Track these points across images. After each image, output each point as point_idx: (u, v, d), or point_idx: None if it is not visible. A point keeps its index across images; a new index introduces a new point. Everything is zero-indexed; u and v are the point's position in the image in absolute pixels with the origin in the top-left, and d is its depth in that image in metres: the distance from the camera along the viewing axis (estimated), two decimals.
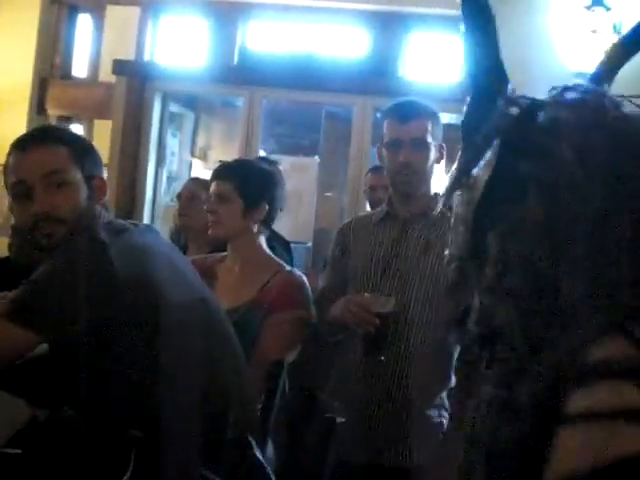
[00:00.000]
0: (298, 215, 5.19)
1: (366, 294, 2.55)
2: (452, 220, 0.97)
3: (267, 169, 3.04)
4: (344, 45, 5.74)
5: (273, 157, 4.82)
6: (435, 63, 5.72)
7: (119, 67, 5.37)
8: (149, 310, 1.90)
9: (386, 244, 2.73)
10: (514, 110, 0.94)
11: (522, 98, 0.95)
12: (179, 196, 4.01)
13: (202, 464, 1.91)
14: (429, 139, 2.70)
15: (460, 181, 0.96)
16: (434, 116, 2.76)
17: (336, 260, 2.88)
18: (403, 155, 2.67)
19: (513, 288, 0.85)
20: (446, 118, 4.32)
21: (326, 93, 5.30)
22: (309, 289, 2.90)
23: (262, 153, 5.61)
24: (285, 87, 5.30)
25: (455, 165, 0.99)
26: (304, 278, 2.93)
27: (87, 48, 6.33)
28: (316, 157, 6.07)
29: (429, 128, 2.70)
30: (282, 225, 4.24)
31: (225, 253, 3.01)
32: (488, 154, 0.93)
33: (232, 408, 2.05)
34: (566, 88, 0.94)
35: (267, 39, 5.87)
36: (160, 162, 5.64)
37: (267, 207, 2.93)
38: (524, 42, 5.29)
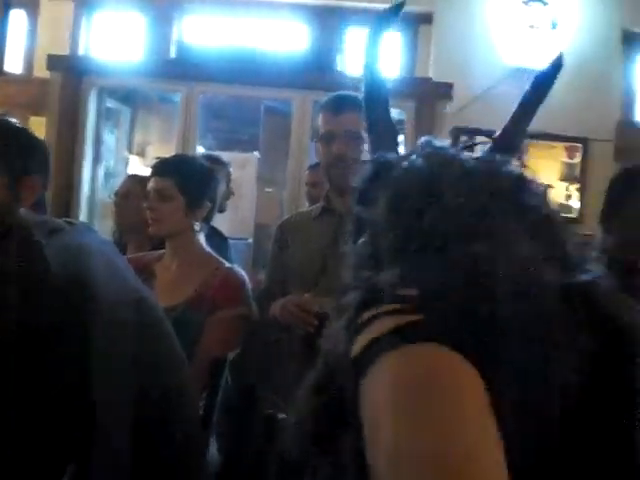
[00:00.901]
0: (238, 211, 5.15)
1: (306, 294, 2.53)
2: None
3: (208, 166, 3.01)
4: (283, 39, 5.72)
5: (212, 153, 4.79)
6: None
7: (54, 62, 5.26)
8: (85, 310, 1.87)
9: (324, 239, 2.71)
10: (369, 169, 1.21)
11: (377, 160, 1.21)
12: (116, 193, 3.96)
13: (144, 465, 1.89)
14: (362, 131, 2.68)
15: None
16: None
17: (275, 257, 2.86)
18: (336, 147, 2.66)
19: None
20: None
21: (265, 88, 5.25)
22: (249, 286, 2.88)
23: (200, 149, 5.57)
24: (223, 82, 5.24)
25: None
26: (244, 275, 2.91)
27: (21, 44, 6.23)
28: (255, 152, 6.04)
29: (362, 121, 2.68)
30: (222, 221, 4.22)
31: (163, 251, 2.98)
32: None
33: (173, 407, 2.03)
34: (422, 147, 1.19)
35: (204, 33, 5.83)
36: (97, 159, 5.55)
37: (209, 205, 2.90)
38: (462, 38, 5.35)
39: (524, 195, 1.07)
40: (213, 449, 2.60)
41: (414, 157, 1.15)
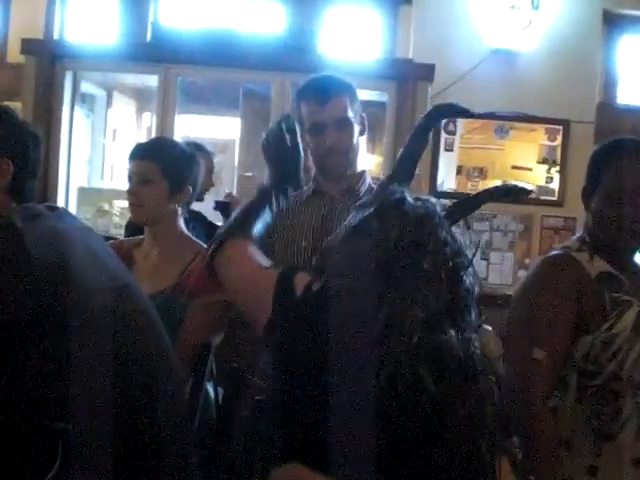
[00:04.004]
0: (218, 195, 5.10)
1: None
2: None
3: (188, 149, 2.95)
4: (260, 21, 5.65)
5: (195, 140, 4.74)
6: (353, 38, 5.68)
7: (28, 46, 5.19)
8: (66, 297, 1.82)
9: (315, 222, 2.68)
10: None
11: None
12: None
13: (129, 452, 1.86)
14: (350, 115, 2.64)
15: None
16: (350, 89, 2.69)
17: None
18: (328, 138, 2.61)
19: None
20: (365, 95, 4.29)
21: (243, 70, 5.20)
22: None
23: (178, 133, 5.51)
24: (201, 64, 5.19)
25: None
26: None
27: None
28: (235, 136, 6.00)
29: (348, 104, 2.64)
30: (202, 205, 4.18)
31: (141, 237, 2.92)
32: None
33: (160, 394, 2.00)
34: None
35: (181, 15, 5.75)
36: (73, 144, 5.48)
37: (191, 189, 2.85)
38: (443, 19, 5.31)
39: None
40: None
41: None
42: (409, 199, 1.51)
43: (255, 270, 1.80)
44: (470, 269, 1.47)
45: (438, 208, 1.54)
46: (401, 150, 1.74)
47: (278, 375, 1.53)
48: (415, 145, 1.73)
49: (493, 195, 1.69)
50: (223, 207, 4.39)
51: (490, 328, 1.66)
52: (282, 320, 1.56)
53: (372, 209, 1.53)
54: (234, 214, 1.99)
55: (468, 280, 1.46)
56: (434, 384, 1.36)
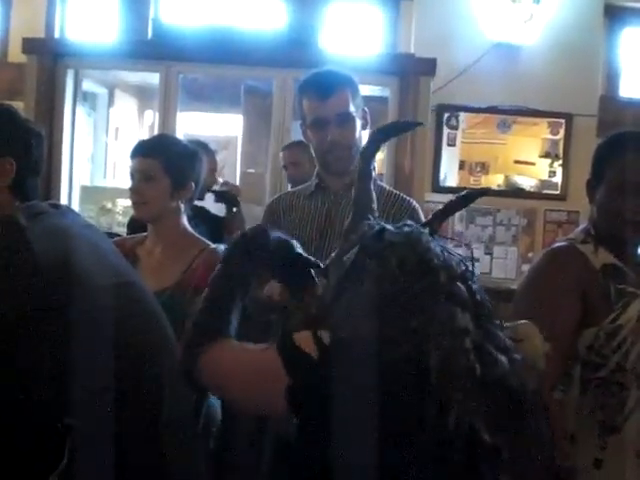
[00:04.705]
0: None
1: None
2: None
3: (191, 146, 2.94)
4: (262, 17, 5.65)
5: (199, 139, 4.74)
6: (355, 34, 5.68)
7: (29, 45, 5.18)
8: (70, 294, 1.82)
9: (319, 217, 2.67)
10: None
11: None
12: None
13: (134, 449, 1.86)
14: (352, 110, 2.63)
15: None
16: (352, 83, 2.68)
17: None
18: (330, 133, 2.60)
19: None
20: (367, 90, 4.28)
21: (245, 67, 5.18)
22: None
23: (180, 130, 5.51)
24: (202, 62, 5.18)
25: None
26: None
27: None
28: (237, 133, 6.00)
29: (350, 98, 2.63)
30: (205, 202, 4.19)
31: (144, 234, 2.91)
32: None
33: (165, 391, 2.00)
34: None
35: (182, 12, 5.75)
36: (75, 142, 5.48)
37: (193, 186, 2.84)
38: (444, 13, 5.31)
39: None
40: None
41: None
42: (387, 227, 1.46)
43: (257, 355, 1.53)
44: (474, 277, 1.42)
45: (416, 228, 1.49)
46: (355, 189, 1.72)
47: (317, 447, 1.33)
48: (366, 180, 1.70)
49: (460, 204, 1.67)
50: (223, 196, 4.41)
51: (532, 323, 1.61)
52: (308, 388, 1.37)
53: (356, 250, 1.45)
54: (198, 308, 1.69)
55: (475, 286, 1.41)
56: (489, 434, 1.27)
